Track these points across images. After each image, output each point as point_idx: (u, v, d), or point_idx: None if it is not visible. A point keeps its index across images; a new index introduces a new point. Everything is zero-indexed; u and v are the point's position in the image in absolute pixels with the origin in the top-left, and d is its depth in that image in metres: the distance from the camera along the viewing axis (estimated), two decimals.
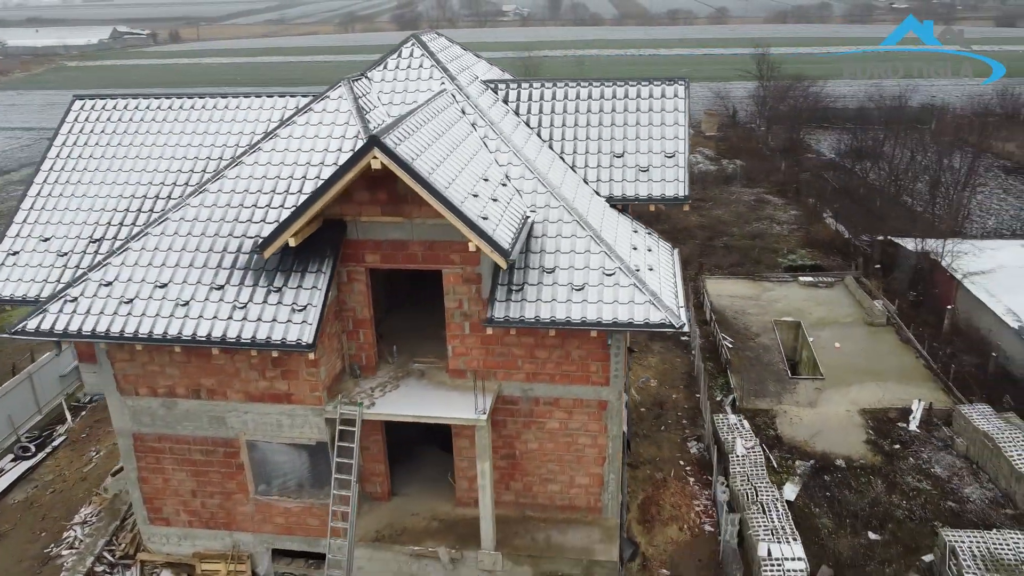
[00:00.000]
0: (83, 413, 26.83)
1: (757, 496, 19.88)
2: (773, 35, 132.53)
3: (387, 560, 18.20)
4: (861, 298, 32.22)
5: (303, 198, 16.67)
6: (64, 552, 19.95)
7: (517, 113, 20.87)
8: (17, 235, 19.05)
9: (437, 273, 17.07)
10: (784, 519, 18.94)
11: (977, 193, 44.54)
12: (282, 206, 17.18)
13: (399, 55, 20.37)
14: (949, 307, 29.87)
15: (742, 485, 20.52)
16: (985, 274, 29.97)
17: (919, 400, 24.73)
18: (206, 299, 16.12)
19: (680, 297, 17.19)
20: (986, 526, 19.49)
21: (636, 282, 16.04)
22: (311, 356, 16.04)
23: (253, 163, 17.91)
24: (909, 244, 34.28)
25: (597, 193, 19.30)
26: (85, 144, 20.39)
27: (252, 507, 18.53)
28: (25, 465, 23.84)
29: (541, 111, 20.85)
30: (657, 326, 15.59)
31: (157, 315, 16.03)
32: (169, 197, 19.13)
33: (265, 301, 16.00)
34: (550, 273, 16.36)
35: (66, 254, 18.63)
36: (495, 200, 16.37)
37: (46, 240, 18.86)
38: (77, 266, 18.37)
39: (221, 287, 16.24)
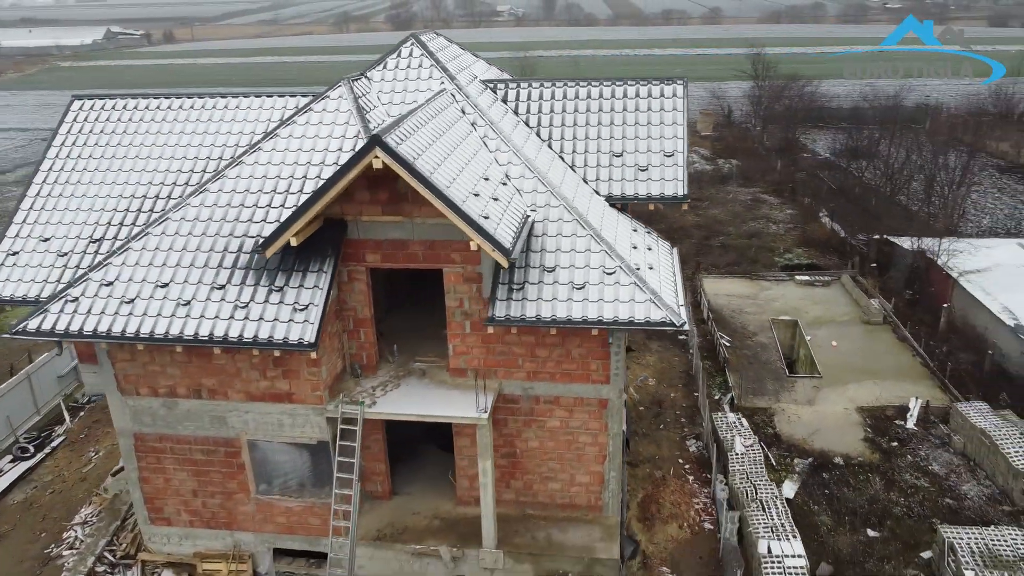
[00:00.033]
0: (81, 414, 26.79)
1: (757, 494, 19.96)
2: (767, 35, 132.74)
3: (388, 559, 18.23)
4: (858, 297, 32.35)
5: (304, 198, 16.73)
6: (65, 552, 19.94)
7: (516, 113, 20.93)
8: (17, 235, 19.05)
9: (437, 272, 17.12)
10: (784, 516, 19.03)
11: (972, 192, 44.71)
12: (283, 206, 17.22)
13: (398, 55, 20.40)
14: (945, 305, 30.01)
15: (741, 483, 20.60)
16: (981, 272, 30.13)
17: (916, 398, 24.86)
18: (207, 299, 16.14)
19: (680, 295, 17.26)
20: (984, 522, 19.60)
21: (636, 281, 16.10)
22: (313, 355, 16.06)
23: (253, 163, 17.93)
24: (905, 243, 34.43)
25: (596, 192, 19.37)
26: (84, 144, 20.39)
27: (253, 506, 18.54)
28: (24, 466, 23.81)
29: (540, 111, 20.92)
30: (658, 324, 15.66)
31: (158, 315, 16.04)
32: (169, 197, 19.14)
33: (266, 301, 16.03)
34: (551, 272, 16.42)
35: (66, 254, 18.63)
36: (496, 199, 16.42)
37: (46, 240, 18.86)
38: (77, 266, 18.38)
39: (222, 287, 16.25)
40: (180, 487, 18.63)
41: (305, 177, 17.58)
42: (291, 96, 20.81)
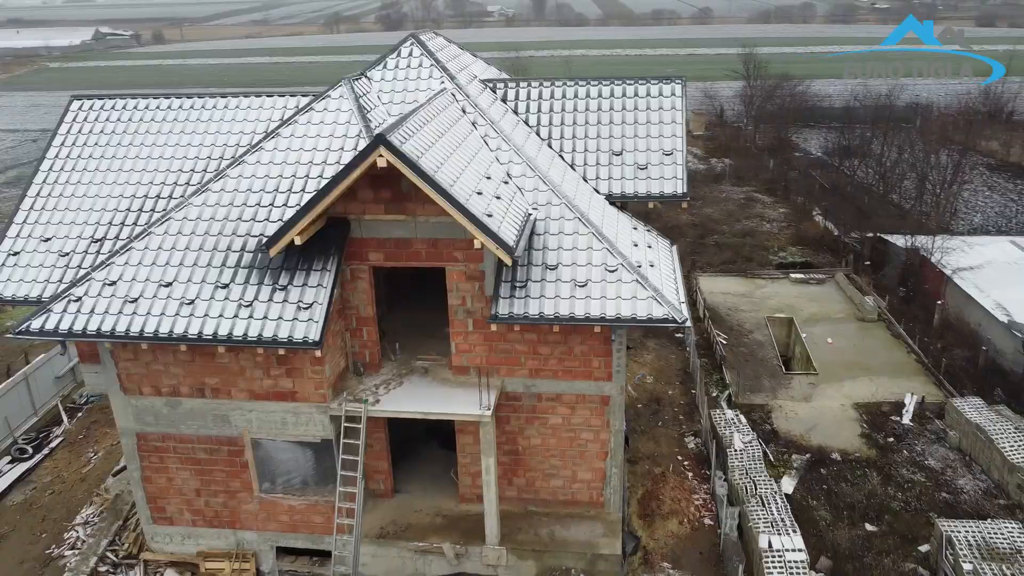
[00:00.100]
0: (79, 414, 26.75)
1: (756, 489, 20.13)
2: (756, 35, 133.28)
3: (391, 557, 18.31)
4: (852, 294, 32.60)
5: (306, 197, 16.84)
6: (67, 553, 19.92)
7: (516, 112, 21.04)
8: (17, 235, 19.03)
9: (437, 271, 17.20)
10: (783, 511, 19.19)
11: (963, 190, 45.12)
12: (285, 205, 17.28)
13: (398, 55, 20.48)
14: (939, 302, 30.28)
15: (740, 479, 20.76)
16: (974, 269, 30.42)
17: (912, 394, 25.10)
18: (211, 298, 16.18)
19: (681, 292, 17.40)
20: (980, 516, 19.80)
21: (638, 278, 16.24)
22: (317, 354, 16.14)
23: (255, 162, 17.99)
24: (899, 241, 34.71)
25: (596, 191, 19.50)
26: (84, 144, 20.39)
27: (256, 505, 18.59)
28: (23, 467, 23.76)
29: (540, 110, 21.04)
30: (660, 321, 15.79)
31: (162, 314, 16.07)
32: (170, 197, 19.16)
33: (270, 299, 16.08)
34: (553, 270, 16.53)
35: (67, 254, 18.62)
36: (498, 198, 16.53)
37: (47, 240, 18.85)
38: (79, 266, 18.37)
39: (226, 285, 16.30)
40: (183, 486, 18.66)
41: (307, 176, 17.65)
42: (291, 96, 20.86)
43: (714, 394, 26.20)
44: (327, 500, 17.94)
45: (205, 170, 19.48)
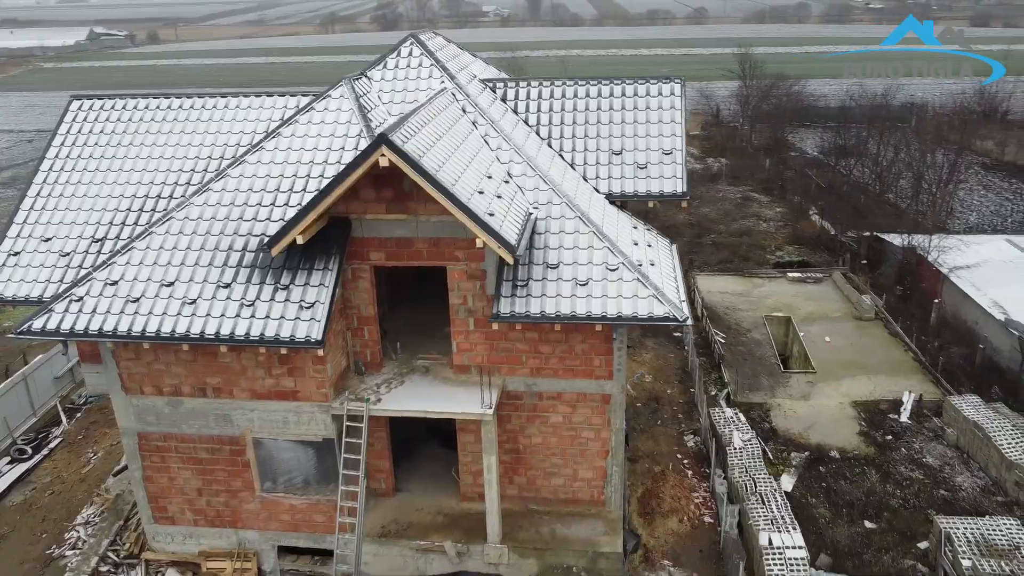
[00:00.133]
0: (78, 415, 26.72)
1: (756, 487, 20.21)
2: (751, 35, 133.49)
3: (393, 555, 18.34)
4: (849, 293, 32.72)
5: (307, 196, 16.87)
6: (68, 553, 19.91)
7: (515, 112, 21.09)
8: (18, 235, 19.00)
9: (437, 270, 17.24)
10: (783, 509, 19.28)
11: (959, 190, 45.33)
12: (286, 204, 17.29)
13: (398, 54, 20.51)
14: (936, 301, 30.42)
15: (740, 477, 20.85)
16: (970, 268, 30.57)
17: (909, 392, 25.21)
18: (213, 297, 16.19)
19: (681, 291, 17.47)
20: (978, 513, 19.93)
21: (639, 277, 16.30)
22: (320, 353, 16.17)
23: (256, 162, 18.01)
24: (895, 240, 34.85)
25: (596, 190, 19.56)
26: (84, 144, 20.37)
27: (258, 504, 18.61)
28: (22, 467, 23.74)
29: (539, 109, 21.09)
30: (661, 319, 15.86)
31: (164, 313, 16.08)
32: (171, 197, 19.16)
33: (272, 299, 16.09)
34: (554, 269, 16.58)
35: (68, 254, 18.60)
36: (499, 197, 16.57)
37: (47, 240, 18.83)
38: (79, 266, 18.36)
39: (228, 285, 16.31)
40: (184, 486, 18.67)
41: (308, 176, 17.67)
42: (291, 96, 20.87)
43: (713, 393, 26.28)
44: (329, 499, 17.97)
45: (205, 170, 19.49)
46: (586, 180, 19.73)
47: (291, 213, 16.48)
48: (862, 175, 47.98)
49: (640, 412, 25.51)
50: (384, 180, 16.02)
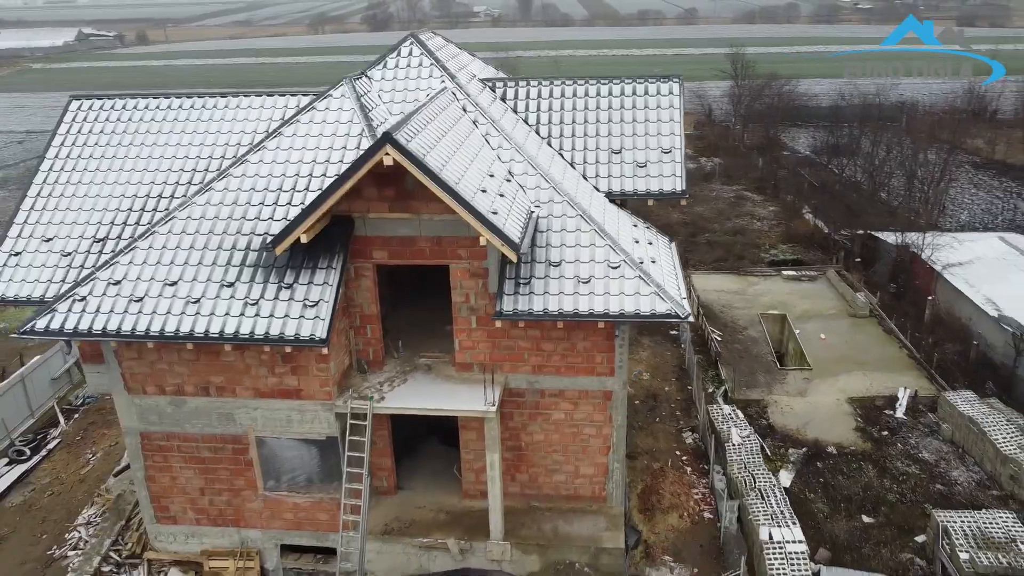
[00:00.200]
0: (76, 415, 26.67)
1: (755, 483, 20.38)
2: (742, 35, 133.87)
3: (396, 553, 18.41)
4: (843, 291, 32.96)
5: (310, 195, 16.93)
6: (69, 553, 19.91)
7: (515, 111, 21.20)
8: (19, 235, 18.99)
9: (438, 269, 17.32)
10: (783, 504, 19.45)
11: (950, 188, 45.70)
12: (289, 204, 17.34)
13: (398, 54, 20.58)
14: (930, 298, 30.68)
15: (739, 473, 21.01)
16: (963, 265, 30.83)
17: (905, 388, 25.44)
18: (217, 296, 16.23)
19: (682, 288, 17.61)
20: (974, 507, 20.15)
21: (641, 274, 16.43)
22: (323, 351, 16.23)
23: (258, 161, 18.05)
24: (889, 238, 35.13)
25: (596, 189, 19.69)
26: (84, 144, 20.36)
27: (261, 503, 18.65)
28: (21, 468, 23.69)
29: (539, 108, 21.21)
30: (663, 316, 15.98)
31: (168, 313, 16.11)
32: (172, 196, 19.18)
33: (276, 297, 16.15)
34: (556, 267, 16.70)
35: (69, 254, 18.60)
36: (502, 195, 16.68)
37: (48, 240, 18.82)
38: (81, 266, 18.36)
39: (231, 284, 16.35)
40: (187, 485, 18.69)
41: (310, 175, 17.73)
42: (292, 95, 20.91)
43: (710, 390, 26.46)
44: (331, 497, 18.03)
45: (207, 170, 19.52)
46: (586, 179, 19.86)
47: (293, 212, 16.55)
48: (854, 174, 48.28)
49: (638, 409, 25.65)
50: (387, 179, 16.09)
